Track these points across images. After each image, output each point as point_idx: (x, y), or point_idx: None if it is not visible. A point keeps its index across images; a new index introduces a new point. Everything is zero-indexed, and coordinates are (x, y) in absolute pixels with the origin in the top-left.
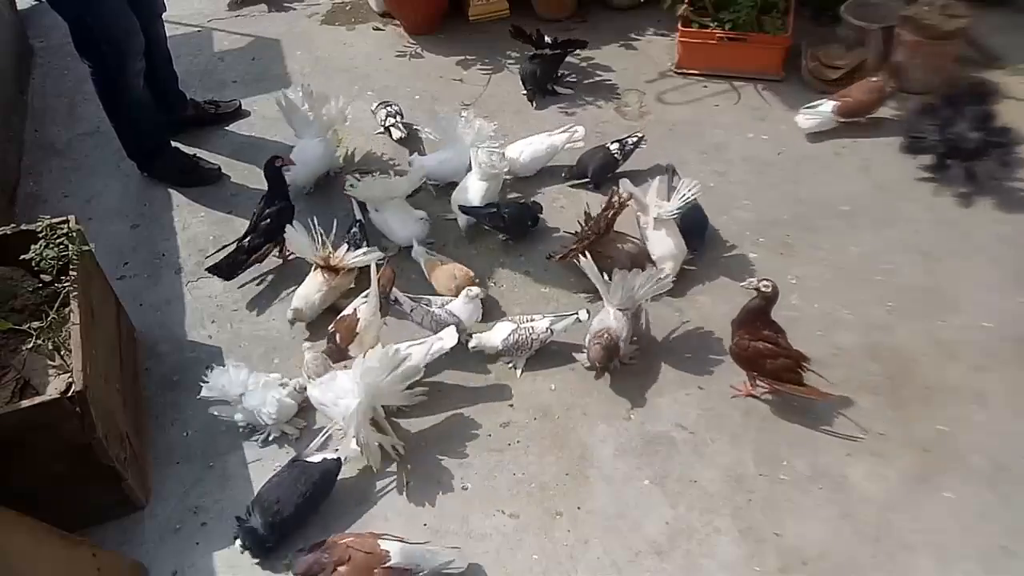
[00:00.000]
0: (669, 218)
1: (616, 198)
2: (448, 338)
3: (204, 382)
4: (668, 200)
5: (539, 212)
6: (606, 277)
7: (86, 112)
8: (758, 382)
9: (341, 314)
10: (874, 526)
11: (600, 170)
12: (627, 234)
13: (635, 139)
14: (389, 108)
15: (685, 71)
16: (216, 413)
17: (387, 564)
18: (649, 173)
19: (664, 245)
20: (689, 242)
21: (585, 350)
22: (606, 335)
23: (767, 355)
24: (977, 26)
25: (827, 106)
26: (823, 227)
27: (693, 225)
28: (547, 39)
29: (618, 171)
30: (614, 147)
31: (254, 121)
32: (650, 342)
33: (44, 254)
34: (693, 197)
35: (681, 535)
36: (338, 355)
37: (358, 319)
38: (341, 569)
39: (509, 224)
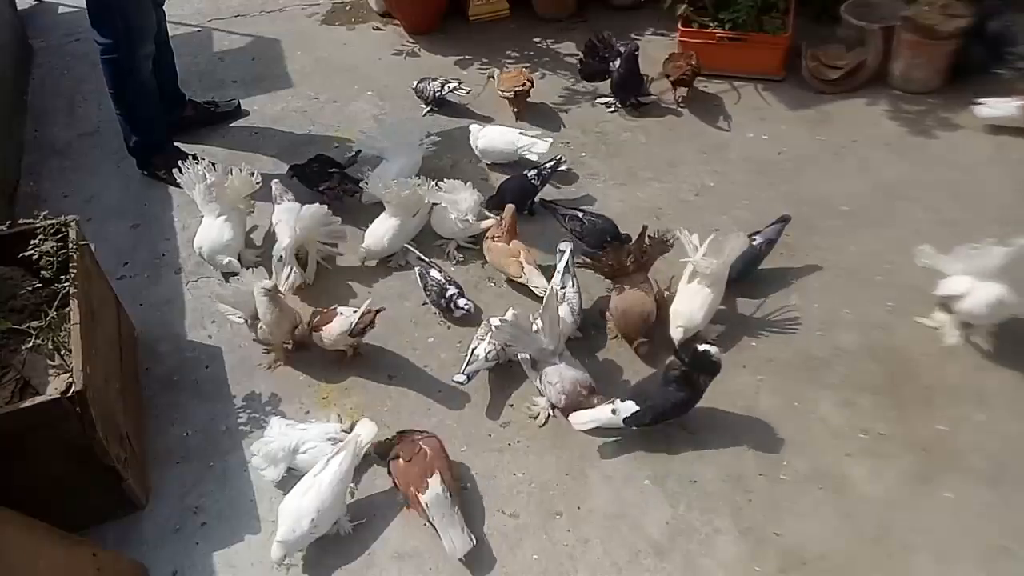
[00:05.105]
0: (708, 273)
1: (648, 237)
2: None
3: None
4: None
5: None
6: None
7: (86, 112)
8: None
9: (328, 308)
10: (874, 526)
11: (519, 199)
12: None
13: (552, 163)
14: (441, 78)
15: None
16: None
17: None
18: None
19: (686, 303)
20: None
21: (555, 410)
22: (579, 388)
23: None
24: None
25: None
26: (823, 227)
27: (748, 261)
28: (618, 45)
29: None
30: (531, 174)
31: (254, 120)
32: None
33: (42, 248)
34: (736, 258)
35: (681, 535)
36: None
37: (332, 322)
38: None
39: (586, 234)
